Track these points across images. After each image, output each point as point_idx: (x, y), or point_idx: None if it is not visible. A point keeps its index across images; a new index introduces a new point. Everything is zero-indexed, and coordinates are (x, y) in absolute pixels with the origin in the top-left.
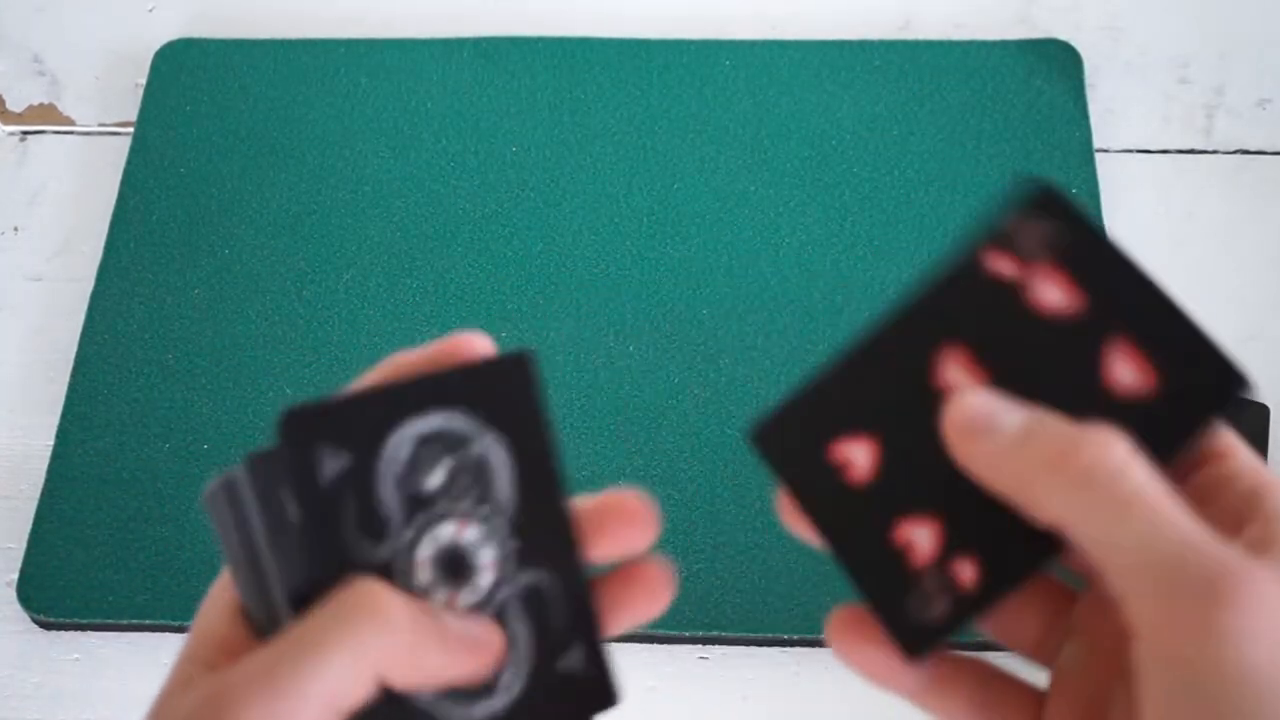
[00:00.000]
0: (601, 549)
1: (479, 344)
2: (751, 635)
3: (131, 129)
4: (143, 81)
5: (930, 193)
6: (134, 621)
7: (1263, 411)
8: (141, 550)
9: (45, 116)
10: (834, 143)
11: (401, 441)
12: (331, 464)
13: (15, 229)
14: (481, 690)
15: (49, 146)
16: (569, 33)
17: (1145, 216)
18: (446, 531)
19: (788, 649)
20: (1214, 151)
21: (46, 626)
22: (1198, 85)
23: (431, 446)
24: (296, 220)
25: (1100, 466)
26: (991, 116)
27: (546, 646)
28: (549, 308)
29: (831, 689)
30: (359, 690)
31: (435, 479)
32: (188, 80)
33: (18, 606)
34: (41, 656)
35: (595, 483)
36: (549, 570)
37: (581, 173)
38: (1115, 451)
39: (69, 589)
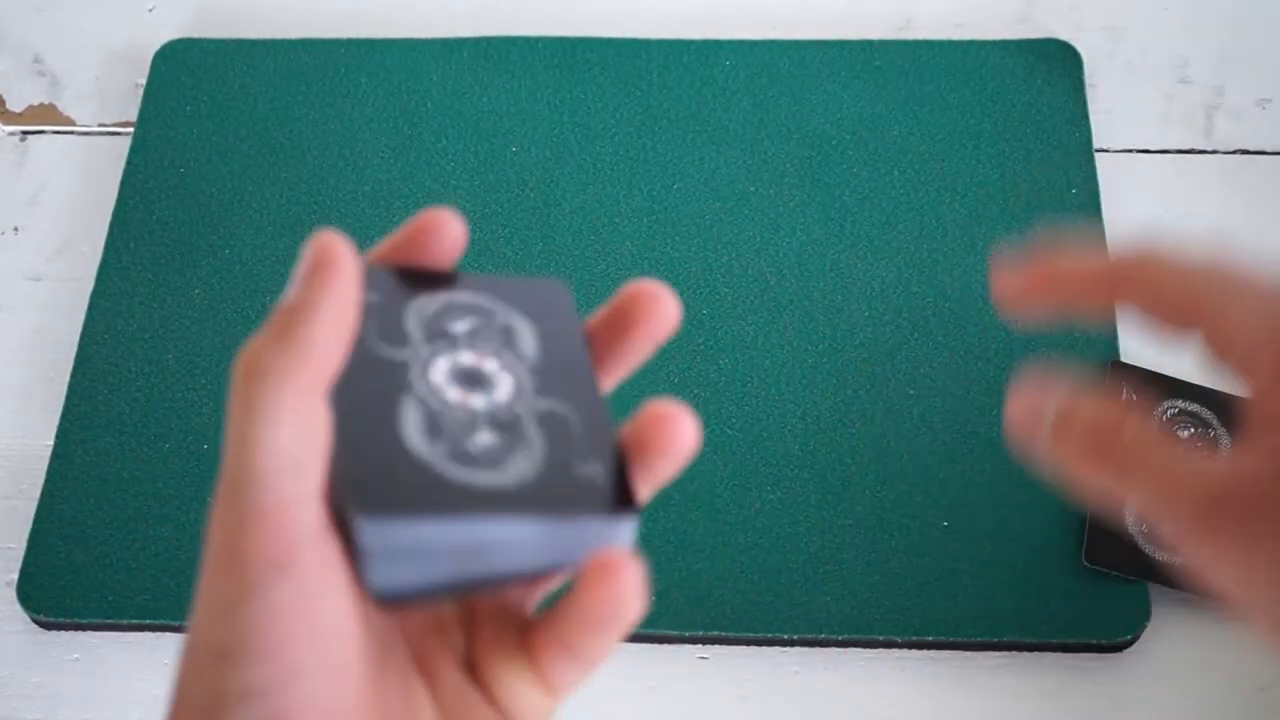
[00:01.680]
0: (631, 340)
1: (449, 220)
2: (751, 635)
3: (131, 129)
4: (143, 81)
5: (930, 193)
6: (134, 621)
7: None
8: (141, 550)
9: (45, 116)
10: (834, 143)
11: (432, 299)
12: (367, 295)
13: (15, 229)
14: (486, 459)
15: (49, 146)
16: (569, 33)
17: (1145, 216)
18: (465, 358)
19: (788, 649)
20: (1214, 151)
21: (46, 626)
22: (1198, 85)
23: (460, 309)
24: (296, 220)
25: None
26: (991, 116)
27: (563, 454)
28: None
29: (831, 689)
30: (303, 445)
31: (460, 325)
32: (188, 80)
33: (18, 606)
34: (41, 656)
35: None
36: (568, 402)
37: (581, 173)
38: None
39: (69, 589)
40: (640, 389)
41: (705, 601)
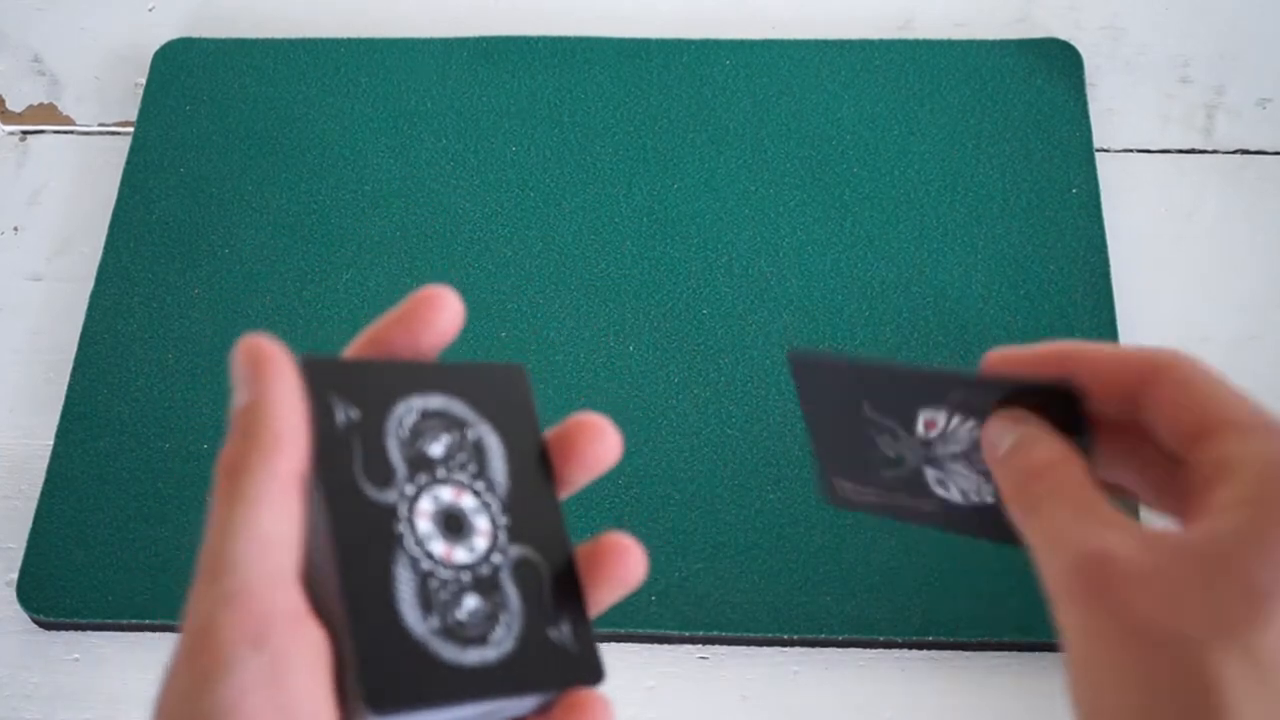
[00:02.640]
0: (573, 469)
1: (447, 298)
2: (751, 635)
3: (131, 129)
4: (143, 81)
5: (930, 193)
6: (134, 621)
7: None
8: (141, 550)
9: (45, 116)
10: (834, 143)
11: (408, 410)
12: (343, 413)
13: (15, 229)
14: (476, 638)
15: (49, 146)
16: (569, 33)
17: (1145, 216)
18: (445, 494)
19: (787, 649)
20: (1214, 151)
21: (46, 626)
22: (1198, 85)
23: (434, 421)
24: (296, 220)
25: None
26: (991, 116)
27: (537, 615)
28: (549, 308)
29: (831, 689)
30: (281, 530)
31: (437, 448)
32: (188, 80)
33: (17, 606)
34: (41, 656)
35: (595, 483)
36: (537, 549)
37: (581, 172)
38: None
39: (69, 589)
40: (641, 389)
41: (705, 601)
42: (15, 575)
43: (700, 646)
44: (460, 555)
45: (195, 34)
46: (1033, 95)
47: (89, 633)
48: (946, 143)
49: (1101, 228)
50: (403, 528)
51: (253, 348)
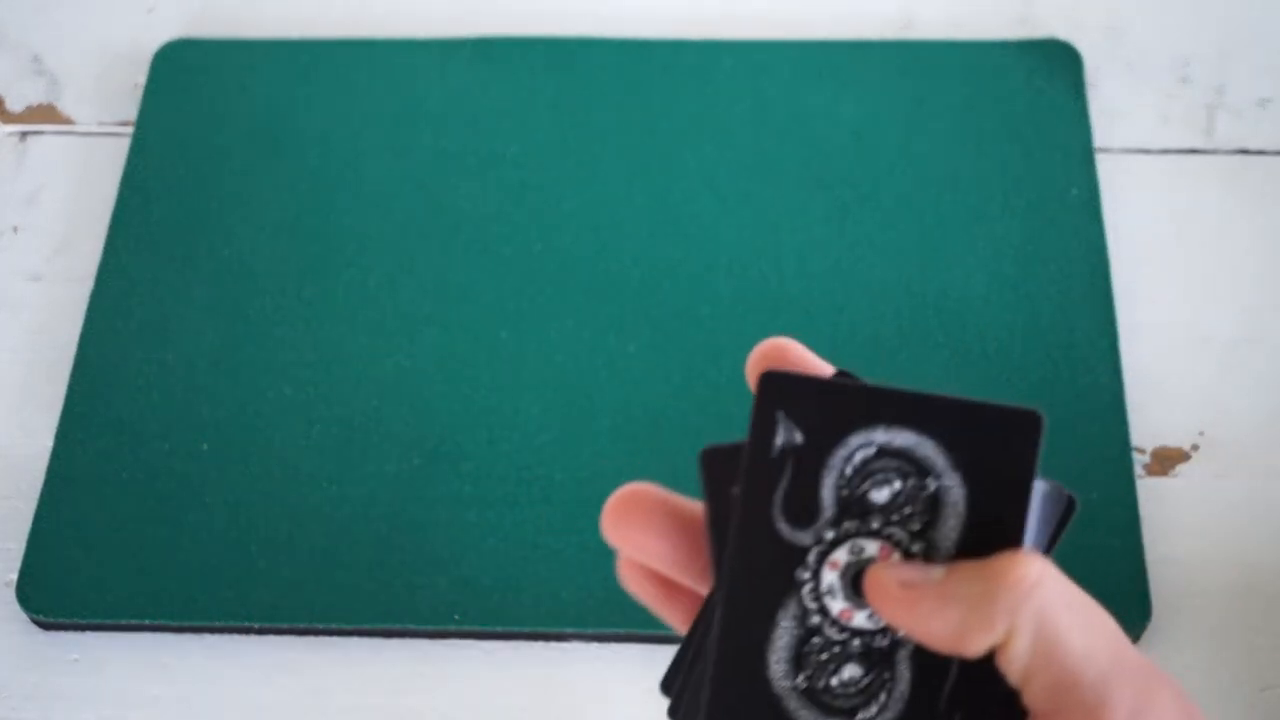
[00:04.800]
0: None
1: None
2: None
3: (131, 129)
4: (143, 81)
5: (930, 193)
6: (134, 621)
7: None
8: (141, 550)
9: (45, 116)
10: (834, 143)
11: (867, 443)
12: (784, 435)
13: (15, 229)
14: (843, 709)
15: (48, 146)
16: (569, 33)
17: (1145, 216)
18: (870, 549)
19: None
20: (1214, 151)
21: (45, 627)
22: (1198, 85)
23: (892, 461)
24: (296, 220)
25: (1028, 580)
26: (991, 116)
27: (926, 706)
28: (549, 308)
29: None
30: None
31: (882, 494)
32: (188, 80)
33: (17, 607)
34: (41, 656)
35: (595, 483)
36: None
37: (581, 173)
38: (1035, 565)
39: (68, 589)
40: (641, 389)
41: None
42: (14, 575)
43: None
44: (860, 619)
45: (195, 34)
46: (1033, 95)
47: (89, 633)
48: (946, 143)
49: (1101, 228)
50: (805, 574)
51: None
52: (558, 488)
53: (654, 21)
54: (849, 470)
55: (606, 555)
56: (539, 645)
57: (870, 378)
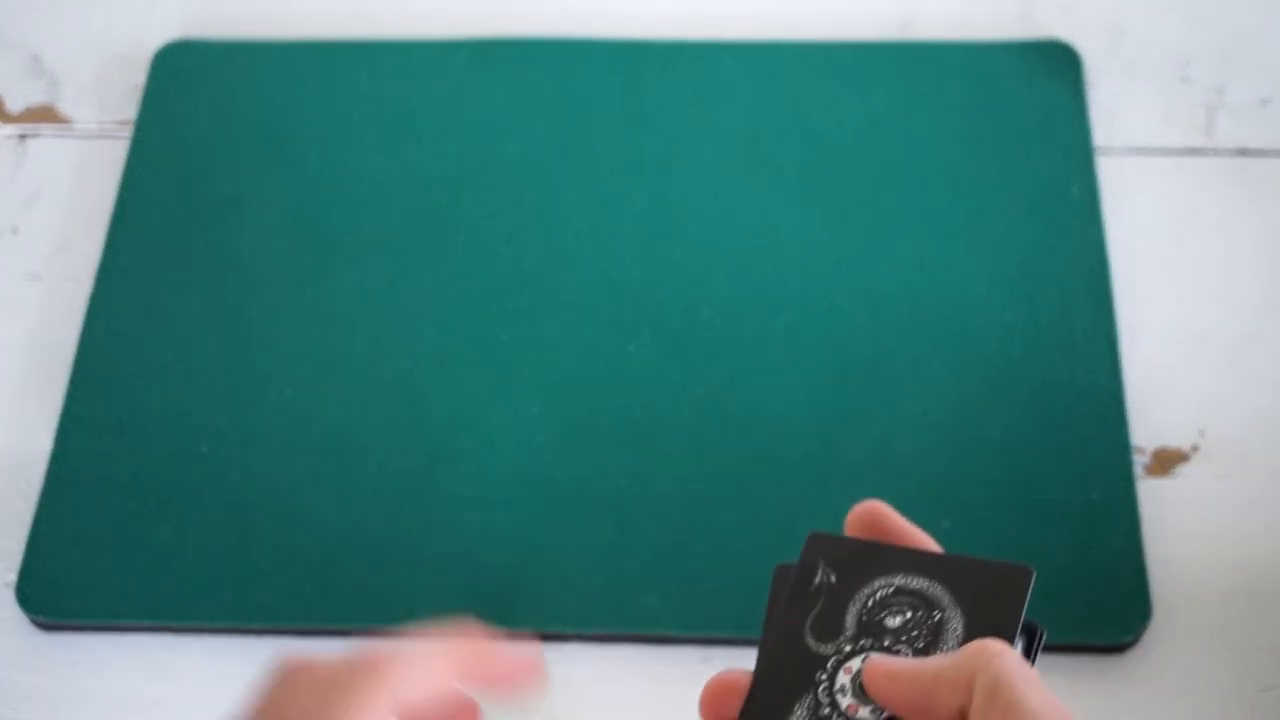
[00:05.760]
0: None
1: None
2: (752, 636)
3: (131, 129)
4: (142, 82)
5: (930, 193)
6: (134, 622)
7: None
8: (141, 550)
9: (44, 117)
10: (834, 143)
11: (887, 585)
12: (822, 576)
13: (14, 229)
14: None
15: (48, 147)
16: (568, 33)
17: (1145, 216)
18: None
19: None
20: (1215, 151)
21: (45, 627)
22: (1198, 85)
23: (906, 598)
24: (296, 220)
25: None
26: (991, 116)
27: None
28: (549, 308)
29: None
30: None
31: (895, 620)
32: (188, 80)
33: (17, 607)
34: (40, 657)
35: (595, 483)
36: None
37: (581, 173)
38: (998, 643)
39: (68, 589)
40: (641, 389)
41: (707, 603)
42: (14, 576)
43: (700, 647)
44: (864, 714)
45: (195, 34)
46: (1033, 96)
47: (88, 634)
48: (946, 143)
49: (1101, 228)
50: (823, 676)
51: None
52: (558, 488)
53: (654, 21)
54: (870, 603)
55: (606, 555)
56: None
57: (874, 379)
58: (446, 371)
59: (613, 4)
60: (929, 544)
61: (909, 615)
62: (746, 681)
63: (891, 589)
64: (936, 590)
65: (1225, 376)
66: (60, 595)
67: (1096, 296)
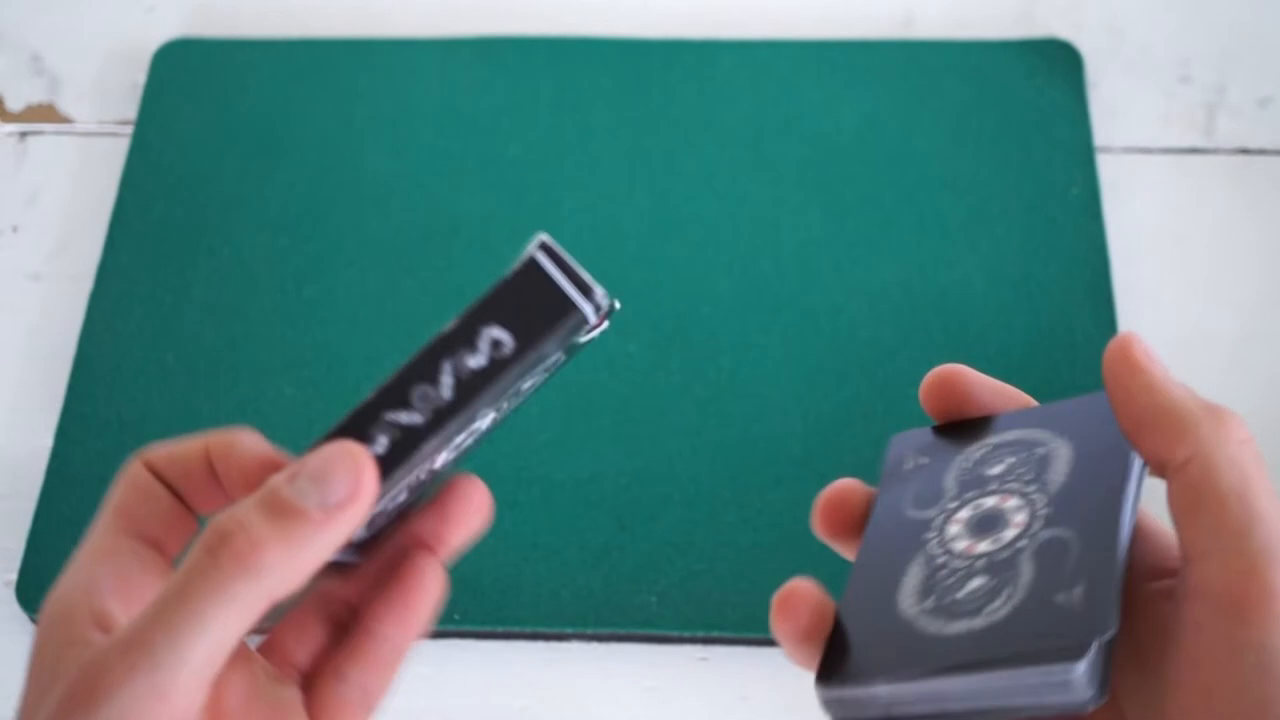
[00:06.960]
0: (448, 530)
1: (476, 498)
2: (752, 636)
3: (131, 129)
4: (142, 81)
5: (930, 193)
6: None
7: None
8: None
9: (44, 116)
10: (834, 143)
11: (981, 447)
12: (912, 462)
13: (14, 228)
14: (968, 611)
15: (48, 146)
16: (569, 33)
17: (1145, 216)
18: (989, 502)
19: None
20: (1214, 151)
21: None
22: (1199, 84)
23: (1004, 450)
24: (296, 220)
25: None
26: (991, 116)
27: (1048, 584)
28: None
29: None
30: (236, 640)
31: (997, 468)
32: (188, 80)
33: (17, 607)
34: None
35: (595, 483)
36: (1076, 529)
37: (581, 173)
38: (1246, 429)
39: None
40: (641, 389)
41: (705, 601)
42: (14, 575)
43: (700, 646)
44: (983, 546)
45: (195, 34)
46: (1033, 95)
47: None
48: (946, 143)
49: (1101, 228)
50: (931, 534)
51: (358, 481)
52: (558, 488)
53: (654, 21)
54: (968, 464)
55: (606, 555)
56: (539, 645)
57: (874, 379)
58: None
59: (613, 3)
60: (1018, 400)
61: (1011, 460)
62: (861, 491)
63: (988, 448)
64: (1035, 433)
65: (1226, 376)
66: None
67: (1096, 296)
